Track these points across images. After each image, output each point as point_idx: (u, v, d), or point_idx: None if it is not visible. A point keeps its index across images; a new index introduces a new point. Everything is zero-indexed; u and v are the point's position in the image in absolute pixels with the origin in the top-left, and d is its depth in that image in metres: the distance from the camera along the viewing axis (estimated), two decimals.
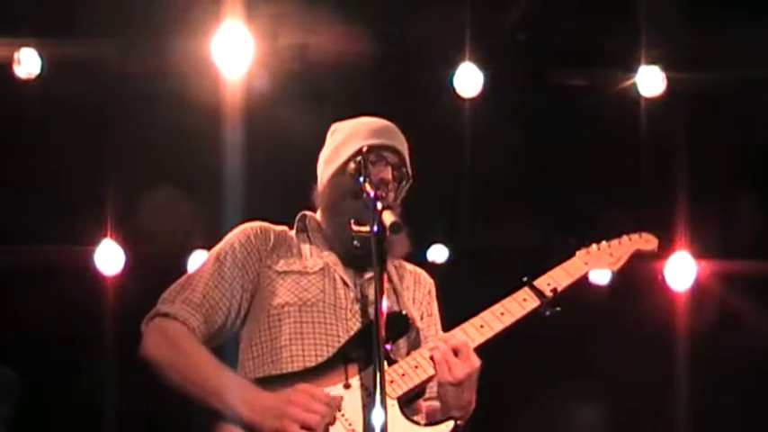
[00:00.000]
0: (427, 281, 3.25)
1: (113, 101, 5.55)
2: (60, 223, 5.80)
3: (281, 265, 3.02)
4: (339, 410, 2.73)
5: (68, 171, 5.60)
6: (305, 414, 2.66)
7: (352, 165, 2.98)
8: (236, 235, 3.07)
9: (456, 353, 2.78)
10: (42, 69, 5.46)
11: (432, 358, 2.81)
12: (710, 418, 6.01)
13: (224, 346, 3.00)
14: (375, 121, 3.15)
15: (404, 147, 3.11)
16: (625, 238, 3.19)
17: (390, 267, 3.15)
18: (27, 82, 5.47)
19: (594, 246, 3.15)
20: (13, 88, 5.46)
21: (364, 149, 2.99)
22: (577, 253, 3.12)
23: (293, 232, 3.15)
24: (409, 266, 3.25)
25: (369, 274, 3.02)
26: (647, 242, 3.20)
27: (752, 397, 6.09)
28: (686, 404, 6.12)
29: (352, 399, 2.75)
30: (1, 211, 5.66)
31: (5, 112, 5.45)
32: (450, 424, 2.75)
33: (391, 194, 3.01)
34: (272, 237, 3.08)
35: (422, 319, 3.14)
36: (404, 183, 3.08)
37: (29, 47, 5.44)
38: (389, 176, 3.00)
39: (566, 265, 3.07)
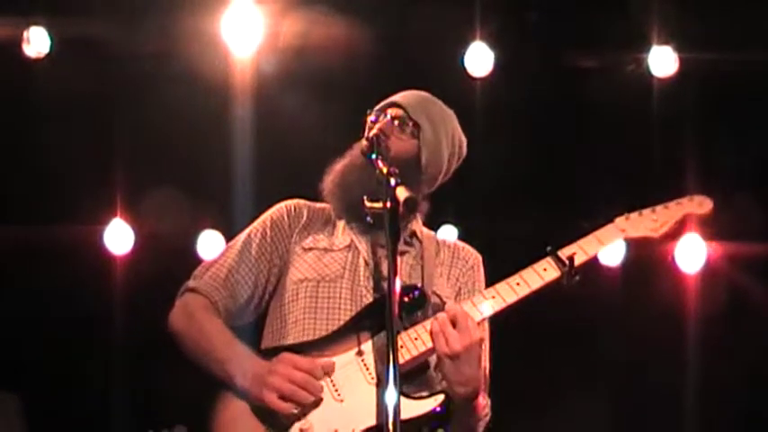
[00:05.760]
0: (470, 255, 3.16)
1: (123, 80, 5.54)
2: (70, 202, 5.79)
3: (309, 242, 3.04)
4: (330, 379, 2.73)
5: (78, 150, 5.59)
6: (284, 384, 2.67)
7: (364, 143, 2.98)
8: (271, 213, 3.11)
9: (454, 324, 2.70)
10: (51, 48, 5.45)
11: (431, 330, 2.74)
12: (720, 400, 6.00)
13: (254, 324, 3.04)
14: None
15: (409, 101, 3.10)
16: (673, 203, 2.98)
17: (427, 243, 3.11)
18: (36, 61, 5.46)
19: (636, 212, 2.95)
20: (21, 67, 5.45)
21: (368, 113, 3.07)
22: (616, 220, 2.94)
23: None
24: (450, 242, 3.21)
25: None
26: (701, 205, 2.98)
27: (762, 380, 6.07)
28: (696, 386, 6.11)
29: (347, 369, 2.75)
30: (10, 190, 5.66)
31: (14, 92, 5.44)
32: (440, 398, 2.70)
33: (400, 142, 3.01)
34: (305, 214, 3.10)
35: (458, 294, 3.08)
36: (416, 133, 3.06)
37: (38, 26, 5.42)
38: (385, 126, 3.01)
39: (599, 232, 2.91)
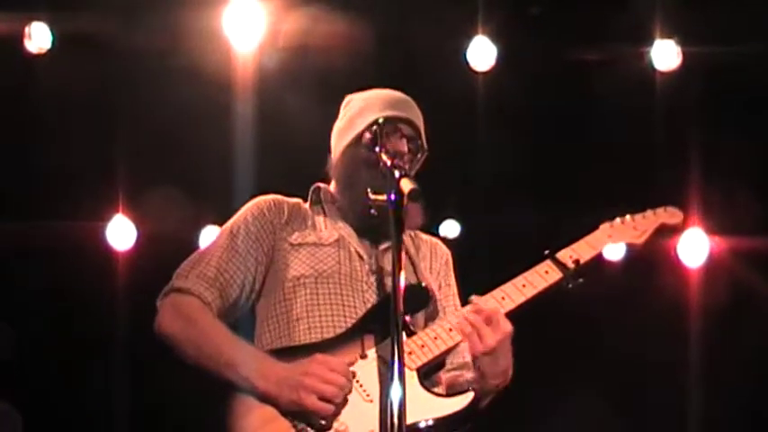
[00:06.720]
0: (444, 251, 3.23)
1: (124, 76, 5.53)
2: (72, 199, 5.79)
3: (296, 238, 3.00)
4: (357, 381, 2.71)
5: (79, 146, 5.58)
6: (322, 385, 2.64)
7: (367, 135, 2.96)
8: (250, 208, 3.05)
9: (488, 322, 2.76)
10: (53, 44, 5.44)
11: (461, 330, 2.79)
12: (723, 394, 6.00)
13: (240, 321, 2.97)
14: (390, 92, 3.14)
15: (419, 119, 3.09)
16: (649, 212, 3.17)
17: (407, 238, 3.13)
18: (37, 57, 5.45)
19: (618, 219, 3.13)
20: (23, 63, 5.44)
21: (380, 121, 2.97)
22: (601, 226, 3.10)
23: (307, 205, 3.14)
24: (425, 237, 3.24)
25: (383, 246, 3.01)
26: (672, 216, 3.18)
27: (765, 374, 6.06)
28: (698, 380, 6.11)
29: (369, 369, 2.73)
30: (11, 187, 5.66)
31: (16, 87, 5.44)
32: (470, 395, 2.72)
33: (407, 167, 2.95)
34: (285, 209, 3.06)
35: (439, 289, 3.13)
36: (419, 155, 3.06)
37: (39, 21, 5.42)
38: (405, 149, 2.97)
39: (589, 238, 3.05)
